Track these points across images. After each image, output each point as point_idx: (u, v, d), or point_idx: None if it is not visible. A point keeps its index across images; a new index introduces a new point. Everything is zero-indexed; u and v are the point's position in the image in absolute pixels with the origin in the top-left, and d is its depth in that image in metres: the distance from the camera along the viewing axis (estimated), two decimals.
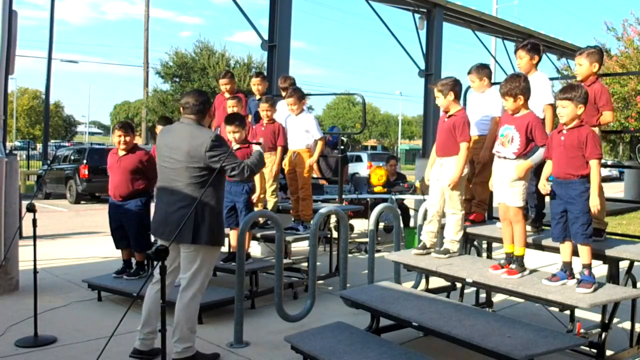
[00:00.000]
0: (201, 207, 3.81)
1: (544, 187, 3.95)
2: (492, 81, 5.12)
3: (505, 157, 4.11)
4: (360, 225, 9.65)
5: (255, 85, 6.83)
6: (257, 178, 5.60)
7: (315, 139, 6.07)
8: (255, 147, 4.24)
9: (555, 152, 3.84)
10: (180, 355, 3.85)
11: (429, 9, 12.55)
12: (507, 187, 4.11)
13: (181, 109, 4.04)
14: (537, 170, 4.19)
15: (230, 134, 4.90)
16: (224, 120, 5.14)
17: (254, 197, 5.56)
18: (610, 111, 4.21)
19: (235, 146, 4.91)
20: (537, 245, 4.44)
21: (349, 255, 6.69)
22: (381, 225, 9.34)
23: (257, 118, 6.41)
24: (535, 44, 4.62)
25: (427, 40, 12.65)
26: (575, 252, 3.87)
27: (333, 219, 7.86)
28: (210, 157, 3.81)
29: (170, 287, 4.02)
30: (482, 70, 4.97)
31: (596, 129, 4.15)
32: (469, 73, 5.02)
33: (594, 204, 3.66)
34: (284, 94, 6.60)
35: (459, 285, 5.05)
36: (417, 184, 9.41)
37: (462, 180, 4.62)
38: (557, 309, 4.00)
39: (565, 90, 3.80)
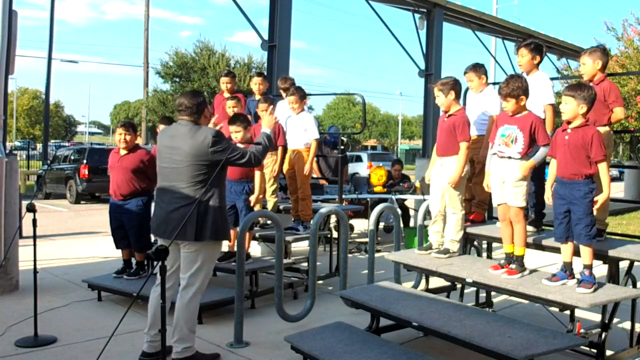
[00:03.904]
0: (204, 204, 3.85)
1: (548, 199, 3.95)
2: (491, 81, 5.12)
3: (510, 157, 4.09)
4: (360, 225, 9.65)
5: (257, 84, 6.83)
6: (257, 179, 5.60)
7: (311, 138, 6.06)
8: (264, 130, 4.27)
9: (559, 151, 3.82)
10: (179, 355, 3.85)
11: (429, 9, 12.55)
12: (510, 187, 4.10)
13: (176, 110, 4.05)
14: (535, 170, 4.19)
15: (233, 133, 4.92)
16: (228, 121, 5.17)
17: (252, 199, 5.55)
18: (620, 107, 4.19)
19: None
20: (537, 245, 4.44)
21: (349, 255, 6.69)
22: (381, 225, 9.34)
23: (257, 118, 6.41)
24: (539, 45, 4.61)
25: (427, 40, 12.64)
26: (576, 252, 3.86)
27: (333, 219, 7.86)
28: (213, 152, 3.84)
29: (173, 289, 4.02)
30: (480, 68, 4.99)
31: (607, 128, 4.15)
32: (465, 73, 5.02)
33: (602, 201, 3.68)
34: (284, 94, 6.61)
35: (459, 285, 5.05)
36: (417, 184, 9.42)
37: (463, 180, 4.62)
38: (557, 309, 3.99)
39: (570, 87, 3.79)
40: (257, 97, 6.75)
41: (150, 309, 3.99)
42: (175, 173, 3.91)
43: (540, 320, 4.64)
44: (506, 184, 4.12)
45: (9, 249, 5.61)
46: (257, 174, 5.59)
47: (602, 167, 3.69)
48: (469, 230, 4.90)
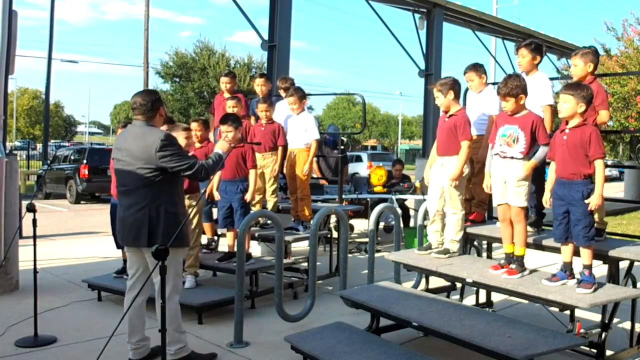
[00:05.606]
0: (155, 209, 3.74)
1: (546, 202, 3.95)
2: (491, 81, 5.13)
3: (512, 157, 4.09)
4: (360, 225, 9.65)
5: (260, 85, 6.82)
6: (251, 177, 5.59)
7: (312, 138, 6.06)
8: (217, 150, 4.14)
9: (557, 151, 3.82)
10: (174, 356, 3.83)
11: (429, 9, 12.55)
12: (512, 187, 4.10)
13: (132, 109, 3.95)
14: (536, 170, 4.19)
15: (224, 133, 4.91)
16: (219, 120, 5.18)
17: (247, 196, 5.54)
18: (605, 110, 4.20)
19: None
20: (537, 245, 4.44)
21: (349, 255, 6.69)
22: (381, 225, 9.33)
23: (258, 118, 6.41)
24: (539, 45, 4.60)
25: (427, 40, 12.64)
26: (576, 253, 3.87)
27: (333, 219, 7.86)
28: (160, 157, 3.71)
29: (146, 293, 3.91)
30: (479, 68, 4.99)
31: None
32: (465, 73, 5.02)
33: (595, 202, 3.66)
34: (283, 94, 6.61)
35: (459, 285, 5.05)
36: (417, 184, 9.41)
37: (463, 179, 4.62)
38: (557, 309, 4.00)
39: (569, 86, 3.80)
40: (261, 97, 6.75)
41: (127, 317, 3.83)
42: (127, 175, 3.82)
43: (540, 320, 4.64)
44: (508, 183, 4.11)
45: (9, 249, 5.61)
46: (251, 172, 5.58)
47: (599, 165, 3.69)
48: (469, 230, 4.90)
